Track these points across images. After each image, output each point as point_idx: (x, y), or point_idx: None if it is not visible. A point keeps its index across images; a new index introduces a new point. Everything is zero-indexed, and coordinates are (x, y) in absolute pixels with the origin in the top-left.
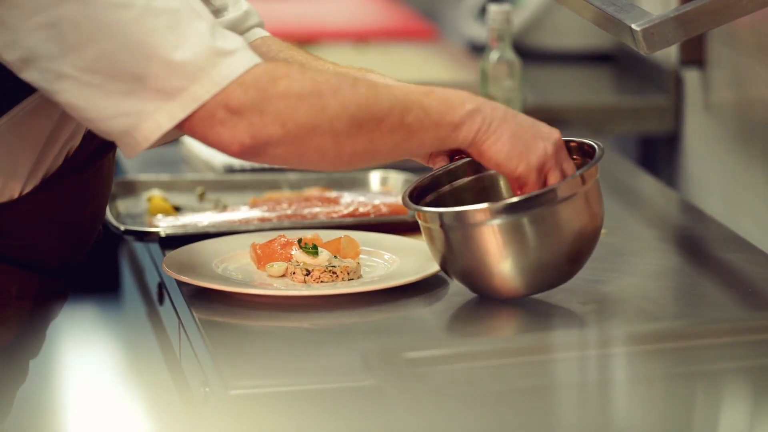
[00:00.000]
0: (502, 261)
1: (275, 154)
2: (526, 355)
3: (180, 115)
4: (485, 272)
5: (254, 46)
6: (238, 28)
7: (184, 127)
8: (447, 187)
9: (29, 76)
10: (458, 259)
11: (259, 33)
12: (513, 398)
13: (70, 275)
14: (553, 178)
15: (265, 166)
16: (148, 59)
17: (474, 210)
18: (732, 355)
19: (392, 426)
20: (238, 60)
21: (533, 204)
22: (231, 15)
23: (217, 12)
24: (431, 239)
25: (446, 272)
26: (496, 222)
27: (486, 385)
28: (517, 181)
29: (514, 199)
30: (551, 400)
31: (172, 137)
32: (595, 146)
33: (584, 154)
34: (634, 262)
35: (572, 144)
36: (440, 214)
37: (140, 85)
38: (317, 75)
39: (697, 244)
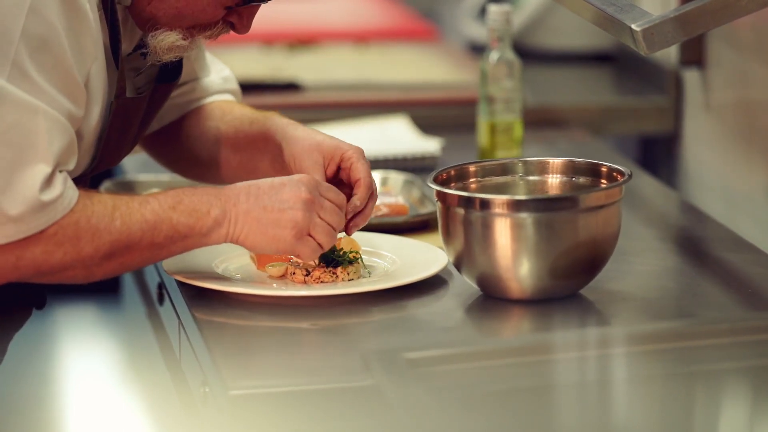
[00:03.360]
0: (516, 258)
1: (34, 281)
2: (526, 355)
3: None
4: (498, 267)
5: (211, 108)
6: (213, 89)
7: None
8: (473, 180)
9: None
10: (474, 247)
11: (225, 97)
12: (513, 398)
13: (40, 287)
14: (319, 235)
15: None
16: None
17: (496, 199)
18: (732, 355)
19: (392, 426)
20: (56, 208)
21: (555, 206)
22: (212, 77)
23: (199, 77)
24: (447, 226)
25: (458, 264)
26: (517, 216)
27: (486, 385)
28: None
29: (538, 197)
30: (551, 400)
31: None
32: (625, 172)
33: (611, 179)
34: (634, 262)
35: (603, 168)
36: (464, 198)
37: None
38: (81, 217)
39: (696, 245)
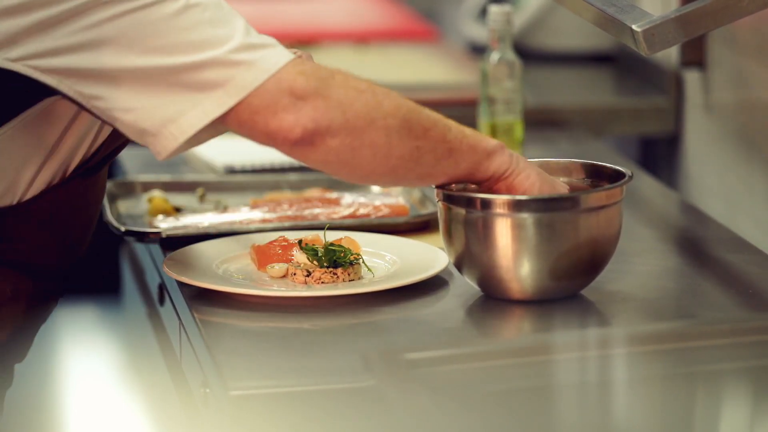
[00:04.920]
0: (517, 258)
1: (330, 145)
2: (526, 356)
3: (229, 102)
4: (499, 267)
5: None
6: None
7: (238, 118)
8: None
9: (54, 79)
10: (474, 248)
11: None
12: (513, 399)
13: (60, 278)
14: None
15: (266, 166)
16: (191, 54)
17: (497, 199)
18: (732, 356)
19: (392, 427)
20: (279, 53)
21: (556, 207)
22: None
23: None
24: (448, 226)
25: (458, 265)
26: (518, 216)
27: (486, 385)
28: None
29: (541, 197)
30: (551, 401)
31: (205, 138)
32: (626, 172)
33: (612, 180)
34: (634, 262)
35: (604, 169)
36: (465, 199)
37: (186, 76)
38: (365, 79)
39: (697, 245)
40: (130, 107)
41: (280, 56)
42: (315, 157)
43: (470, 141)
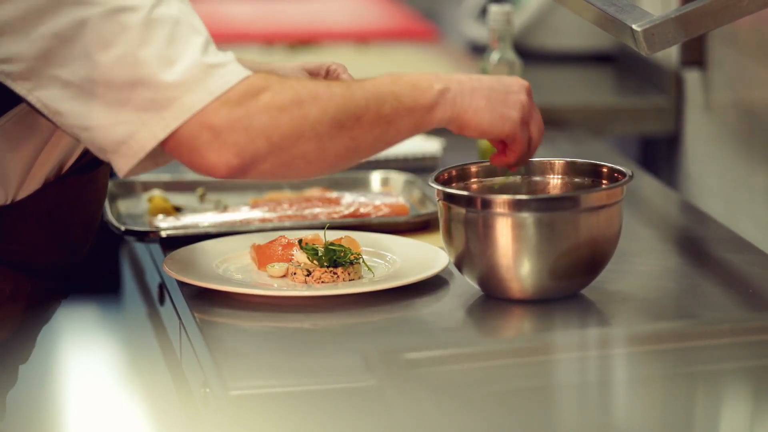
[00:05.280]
0: (517, 258)
1: (262, 169)
2: (526, 356)
3: (173, 124)
4: (499, 267)
5: None
6: None
7: (171, 147)
8: (475, 180)
9: (24, 88)
10: (474, 247)
11: None
12: (513, 399)
13: (63, 278)
14: (534, 127)
15: None
16: (144, 70)
17: (497, 199)
18: (732, 356)
19: (392, 426)
20: (229, 72)
21: (556, 206)
22: None
23: None
24: (449, 226)
25: (459, 264)
26: (518, 215)
27: (486, 385)
28: (505, 141)
29: (542, 197)
30: (551, 401)
31: (158, 164)
32: (626, 172)
33: (612, 180)
34: (634, 262)
35: (604, 169)
36: (465, 198)
37: (136, 94)
38: (295, 83)
39: (697, 245)
40: (86, 125)
41: (229, 77)
42: (251, 178)
43: (407, 104)
